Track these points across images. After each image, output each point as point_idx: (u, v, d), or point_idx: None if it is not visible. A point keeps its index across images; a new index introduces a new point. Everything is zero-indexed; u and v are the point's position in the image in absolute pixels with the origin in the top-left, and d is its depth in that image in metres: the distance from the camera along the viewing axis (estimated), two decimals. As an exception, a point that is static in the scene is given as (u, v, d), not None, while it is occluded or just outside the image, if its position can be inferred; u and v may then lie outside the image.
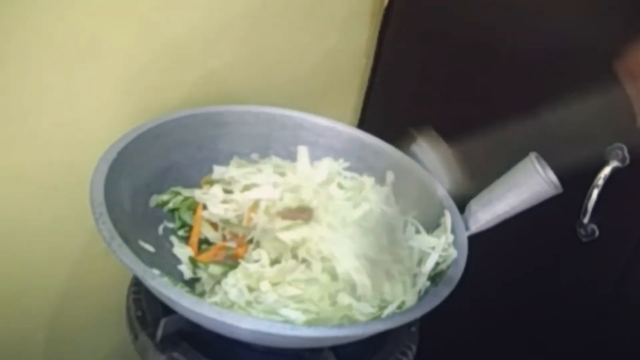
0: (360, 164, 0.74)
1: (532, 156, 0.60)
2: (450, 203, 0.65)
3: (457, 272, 0.57)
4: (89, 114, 0.67)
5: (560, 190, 0.59)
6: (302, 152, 0.73)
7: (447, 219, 0.63)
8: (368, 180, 0.71)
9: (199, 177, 0.69)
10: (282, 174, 0.69)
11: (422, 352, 0.63)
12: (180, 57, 0.72)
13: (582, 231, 0.72)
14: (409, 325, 0.63)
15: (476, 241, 0.61)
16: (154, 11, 0.67)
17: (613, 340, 0.75)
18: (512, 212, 0.61)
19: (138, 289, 0.60)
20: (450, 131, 0.86)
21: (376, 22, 0.93)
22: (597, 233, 0.72)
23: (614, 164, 0.68)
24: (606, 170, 0.68)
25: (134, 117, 0.65)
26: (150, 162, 0.63)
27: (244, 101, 0.73)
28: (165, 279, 0.52)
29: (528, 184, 0.59)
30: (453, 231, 0.62)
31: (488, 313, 0.87)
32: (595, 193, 0.69)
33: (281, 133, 0.73)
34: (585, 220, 0.71)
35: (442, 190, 0.66)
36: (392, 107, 0.96)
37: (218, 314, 0.46)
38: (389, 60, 0.94)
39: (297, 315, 0.53)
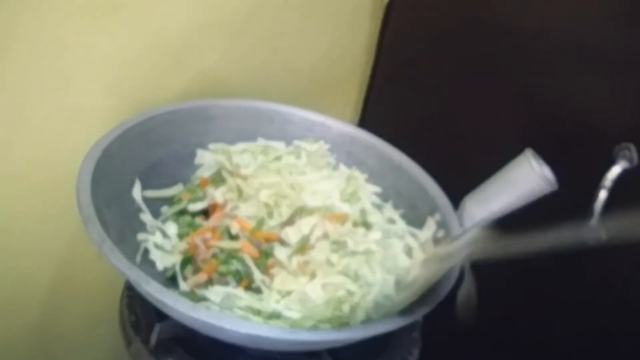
0: (350, 159, 0.72)
1: (528, 153, 0.60)
2: (444, 200, 0.64)
3: (454, 272, 0.56)
4: (81, 112, 0.66)
5: (555, 187, 0.59)
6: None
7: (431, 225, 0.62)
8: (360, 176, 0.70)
9: (185, 174, 0.67)
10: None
11: (423, 357, 0.62)
12: (174, 54, 0.71)
13: (589, 233, 0.71)
14: (410, 330, 0.62)
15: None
16: (146, 7, 0.66)
17: (619, 344, 0.74)
18: (508, 209, 0.61)
19: (132, 292, 0.60)
20: (451, 130, 0.86)
21: (377, 19, 0.92)
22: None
23: (621, 164, 0.67)
24: (614, 171, 0.67)
25: (127, 116, 0.64)
26: (135, 160, 0.62)
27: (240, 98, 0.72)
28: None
29: (524, 180, 0.59)
30: (447, 229, 0.61)
31: (490, 317, 0.86)
32: (602, 194, 0.68)
33: (269, 127, 0.72)
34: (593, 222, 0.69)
35: (434, 188, 0.66)
36: (393, 106, 0.95)
37: (216, 318, 0.46)
38: (389, 58, 0.93)
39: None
